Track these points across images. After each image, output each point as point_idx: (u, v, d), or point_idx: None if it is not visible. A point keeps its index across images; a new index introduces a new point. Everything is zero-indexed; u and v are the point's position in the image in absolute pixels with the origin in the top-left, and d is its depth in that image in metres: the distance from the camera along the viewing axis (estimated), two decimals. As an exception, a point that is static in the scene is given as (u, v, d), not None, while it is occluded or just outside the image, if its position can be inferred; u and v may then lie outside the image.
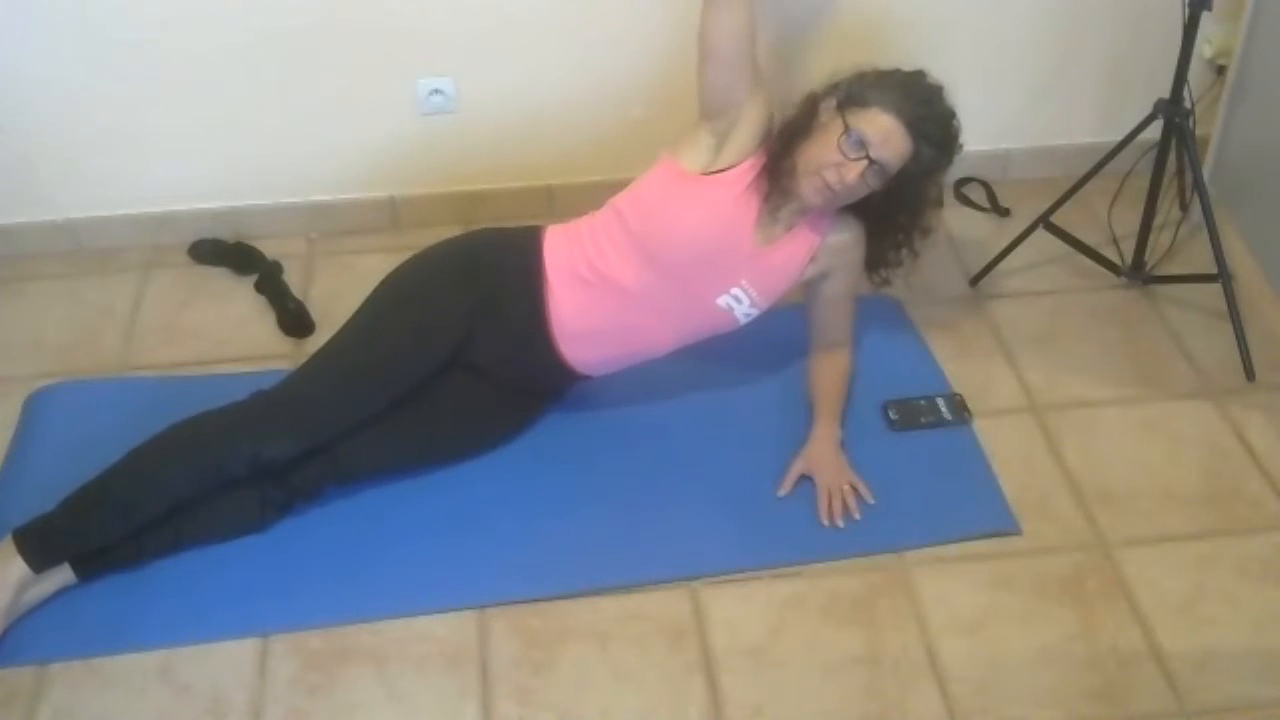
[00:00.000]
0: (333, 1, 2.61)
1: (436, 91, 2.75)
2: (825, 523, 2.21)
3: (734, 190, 2.17)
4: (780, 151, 2.16)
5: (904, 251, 2.29)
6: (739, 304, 2.23)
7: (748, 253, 2.20)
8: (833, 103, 2.14)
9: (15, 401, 2.44)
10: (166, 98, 2.69)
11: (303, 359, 2.30)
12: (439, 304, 2.25)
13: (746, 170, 2.18)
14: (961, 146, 2.18)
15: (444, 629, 2.06)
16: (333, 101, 2.74)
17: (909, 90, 2.12)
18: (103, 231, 2.83)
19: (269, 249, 2.83)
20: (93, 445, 2.15)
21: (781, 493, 2.25)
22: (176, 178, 2.81)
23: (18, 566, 1.99)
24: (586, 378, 2.32)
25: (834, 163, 2.09)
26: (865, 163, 2.07)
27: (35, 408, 2.42)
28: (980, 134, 2.86)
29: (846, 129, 2.08)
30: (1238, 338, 2.55)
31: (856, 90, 2.12)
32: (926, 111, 2.11)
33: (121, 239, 2.84)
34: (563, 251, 2.24)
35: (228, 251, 2.82)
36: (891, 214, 2.23)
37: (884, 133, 2.07)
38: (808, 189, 2.13)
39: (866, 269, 2.33)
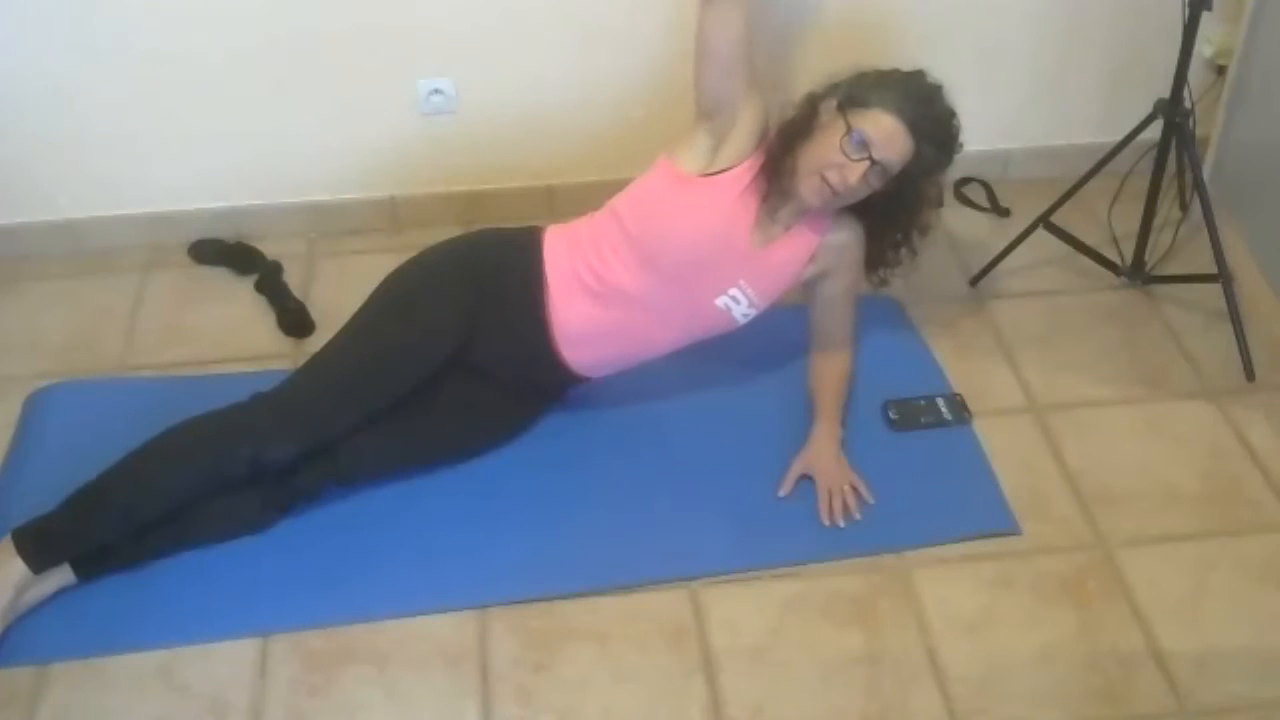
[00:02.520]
0: (333, 2, 2.61)
1: (437, 91, 2.75)
2: (825, 522, 2.21)
3: (731, 192, 2.17)
4: (780, 152, 2.16)
5: (903, 251, 2.29)
6: (737, 304, 2.23)
7: (745, 254, 2.20)
8: (833, 103, 2.13)
9: (15, 401, 2.44)
10: (167, 98, 2.69)
11: (303, 359, 2.30)
12: (439, 305, 2.25)
13: (744, 172, 2.18)
14: (962, 145, 2.18)
15: (444, 629, 2.06)
16: (333, 102, 2.74)
17: (910, 90, 2.12)
18: (103, 231, 2.83)
19: (269, 249, 2.83)
20: (92, 445, 2.14)
21: (782, 493, 2.25)
22: (176, 178, 2.81)
23: (17, 567, 1.99)
24: (586, 379, 2.32)
25: (835, 163, 2.08)
26: (867, 163, 2.07)
27: (35, 408, 2.42)
28: (980, 134, 2.85)
29: (849, 130, 2.07)
30: (1238, 338, 2.55)
31: (857, 91, 2.12)
32: (927, 111, 2.11)
33: (121, 239, 2.83)
34: (562, 253, 2.24)
35: (228, 251, 2.82)
36: (891, 213, 2.22)
37: (886, 133, 2.07)
38: (808, 190, 2.12)
39: (865, 268, 2.33)
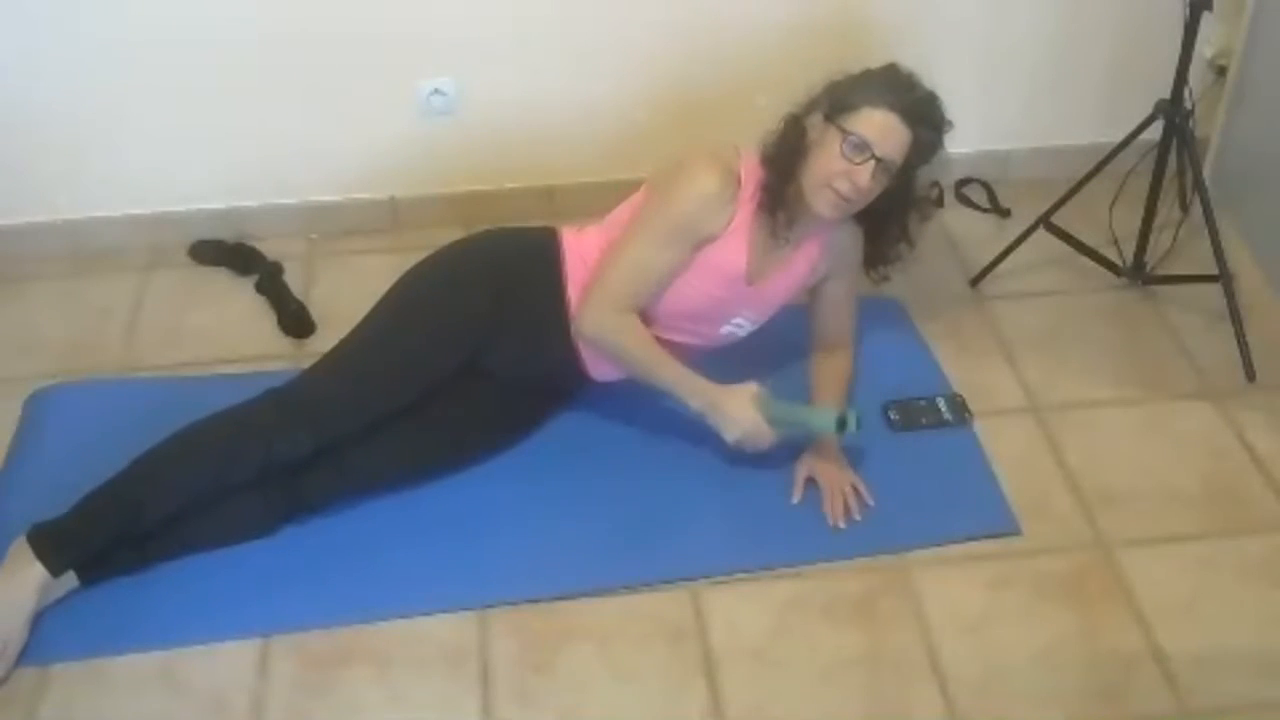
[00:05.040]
0: (334, 2, 2.61)
1: (437, 92, 2.75)
2: (832, 523, 2.20)
3: (723, 252, 2.18)
4: (779, 180, 2.15)
5: (901, 245, 2.29)
6: (740, 329, 2.29)
7: (746, 294, 2.24)
8: (818, 117, 2.13)
9: (15, 402, 2.43)
10: (167, 98, 2.69)
11: (303, 359, 2.30)
12: (458, 306, 2.24)
13: (736, 226, 2.18)
14: (951, 124, 2.17)
15: (445, 629, 2.06)
16: (334, 102, 2.74)
17: (889, 82, 2.12)
18: (103, 231, 2.83)
19: (269, 249, 2.83)
20: (92, 446, 2.15)
21: (795, 499, 2.25)
22: (176, 178, 2.81)
23: (38, 570, 1.98)
24: (596, 382, 2.32)
25: (840, 171, 2.08)
26: (872, 163, 2.07)
27: (35, 408, 2.42)
28: (981, 134, 2.87)
29: (844, 135, 2.07)
30: (1238, 338, 2.55)
31: (840, 97, 2.12)
32: (913, 96, 2.11)
33: (121, 239, 2.83)
34: (580, 269, 2.24)
35: (228, 252, 2.82)
36: (888, 209, 2.22)
37: (881, 129, 2.07)
38: (821, 204, 2.13)
39: (865, 266, 2.34)
